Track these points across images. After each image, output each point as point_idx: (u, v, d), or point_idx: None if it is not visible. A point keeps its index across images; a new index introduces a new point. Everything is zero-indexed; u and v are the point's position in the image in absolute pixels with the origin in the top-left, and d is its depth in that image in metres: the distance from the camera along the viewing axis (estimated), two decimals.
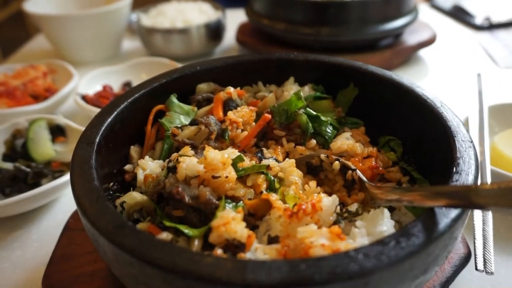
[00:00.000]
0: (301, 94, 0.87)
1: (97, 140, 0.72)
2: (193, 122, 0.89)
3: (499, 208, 0.48)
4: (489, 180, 0.94)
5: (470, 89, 1.44)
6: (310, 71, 0.96)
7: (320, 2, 1.53)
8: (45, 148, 1.15)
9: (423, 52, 1.77)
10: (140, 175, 0.76)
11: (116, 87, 1.50)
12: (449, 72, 1.65)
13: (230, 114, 0.86)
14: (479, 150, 1.03)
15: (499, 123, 1.19)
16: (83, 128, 1.14)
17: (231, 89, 0.92)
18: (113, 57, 1.90)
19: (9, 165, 1.08)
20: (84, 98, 1.37)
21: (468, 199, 0.51)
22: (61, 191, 1.04)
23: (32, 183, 1.05)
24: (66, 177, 0.99)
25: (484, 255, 0.77)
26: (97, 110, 1.24)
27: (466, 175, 0.61)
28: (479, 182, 0.84)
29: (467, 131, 0.70)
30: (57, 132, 1.21)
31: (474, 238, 0.80)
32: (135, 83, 1.54)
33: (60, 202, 1.08)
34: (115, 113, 0.79)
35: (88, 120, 0.79)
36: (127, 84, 1.52)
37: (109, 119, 0.77)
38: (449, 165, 0.64)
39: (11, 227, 1.00)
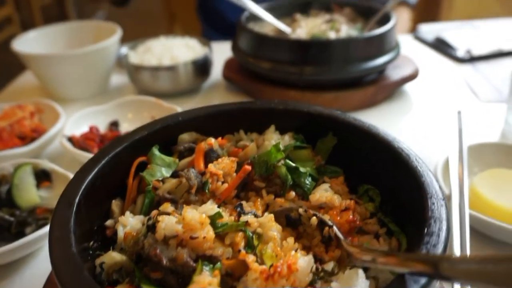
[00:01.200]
0: (280, 146, 0.89)
1: (76, 200, 0.73)
2: (174, 174, 0.90)
3: (467, 281, 0.49)
4: (467, 225, 0.96)
5: (451, 125, 1.46)
6: (290, 120, 0.98)
7: (303, 42, 1.56)
8: (29, 194, 1.16)
9: (407, 87, 1.80)
10: (121, 232, 0.76)
11: (103, 127, 1.52)
12: (432, 107, 1.68)
13: (211, 166, 0.87)
14: (459, 193, 1.05)
15: (478, 163, 1.21)
16: (68, 173, 1.17)
17: (212, 140, 0.94)
18: (101, 93, 1.92)
19: None
20: (71, 139, 1.38)
21: (437, 268, 0.52)
22: (45, 240, 1.04)
23: (16, 232, 1.05)
24: None
25: None
26: (83, 153, 1.26)
27: (436, 236, 0.62)
28: (456, 237, 0.86)
29: (440, 187, 0.72)
30: (42, 176, 1.21)
31: None
32: (121, 122, 1.56)
33: (44, 250, 1.07)
34: (96, 169, 0.80)
35: (74, 163, 0.80)
36: (113, 124, 1.53)
37: (90, 177, 0.78)
38: (421, 224, 0.66)
39: None
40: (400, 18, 2.63)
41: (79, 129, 1.46)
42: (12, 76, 2.16)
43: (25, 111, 1.55)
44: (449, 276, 0.51)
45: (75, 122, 1.47)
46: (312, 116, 0.95)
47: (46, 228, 0.99)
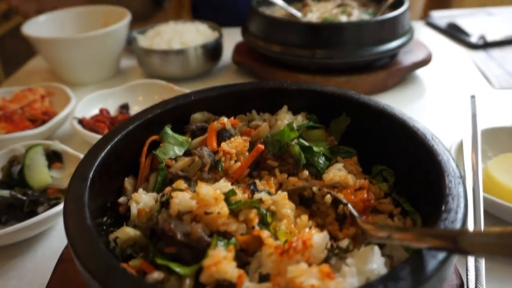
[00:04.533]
0: (294, 125, 0.88)
1: (90, 175, 0.73)
2: (187, 153, 0.89)
3: (486, 255, 0.48)
4: (481, 208, 0.95)
5: (465, 111, 1.45)
6: (303, 100, 0.97)
7: (315, 25, 1.55)
8: (41, 174, 1.16)
9: (419, 72, 1.78)
10: (134, 209, 0.77)
11: (113, 110, 1.51)
12: (444, 93, 1.66)
13: (224, 145, 0.87)
14: (472, 176, 1.04)
15: (492, 147, 1.19)
16: (79, 154, 1.17)
17: (224, 119, 0.93)
18: (111, 78, 1.92)
19: (5, 193, 1.09)
20: (81, 121, 1.38)
21: (456, 243, 0.52)
22: (57, 219, 1.04)
23: (28, 211, 1.05)
24: (62, 205, 1.00)
25: (476, 287, 0.77)
26: (93, 135, 1.26)
27: (454, 213, 0.61)
28: (471, 218, 0.85)
29: (457, 165, 0.71)
30: (54, 157, 1.22)
31: (467, 270, 0.80)
32: (132, 105, 1.56)
33: (56, 229, 1.08)
34: (109, 147, 0.80)
35: (85, 145, 0.80)
36: (124, 107, 1.53)
37: (103, 154, 0.78)
38: (438, 202, 0.65)
39: (6, 255, 1.01)
40: (413, 4, 2.59)
41: (90, 112, 1.46)
42: (21, 65, 2.16)
43: (36, 94, 1.55)
44: (469, 250, 0.50)
45: (86, 105, 1.47)
46: (326, 96, 0.94)
47: (58, 207, 0.99)
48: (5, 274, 0.96)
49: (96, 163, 0.75)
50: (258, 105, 0.99)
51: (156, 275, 0.63)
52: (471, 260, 0.81)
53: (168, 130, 0.90)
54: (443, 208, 0.62)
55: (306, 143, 0.88)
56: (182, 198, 0.71)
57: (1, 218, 1.05)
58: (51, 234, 1.07)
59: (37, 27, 1.84)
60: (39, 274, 0.96)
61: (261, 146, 0.87)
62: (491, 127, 1.21)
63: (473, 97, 1.34)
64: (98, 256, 0.57)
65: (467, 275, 0.79)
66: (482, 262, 0.81)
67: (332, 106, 0.94)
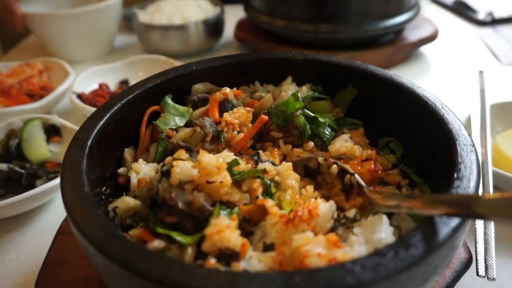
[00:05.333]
0: (299, 95, 0.85)
1: (88, 143, 0.70)
2: (188, 124, 0.87)
3: (501, 219, 0.46)
4: (491, 182, 0.93)
5: (472, 87, 1.42)
6: (308, 71, 0.94)
7: None
8: (39, 148, 1.14)
9: (424, 49, 1.74)
10: (134, 179, 0.74)
11: (113, 85, 1.48)
12: (451, 69, 1.62)
13: (226, 115, 0.84)
14: (481, 150, 1.01)
15: (501, 122, 1.17)
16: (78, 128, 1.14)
17: (227, 89, 0.90)
18: (107, 55, 1.88)
19: (3, 166, 1.07)
20: (80, 96, 1.35)
21: (469, 208, 0.49)
22: (55, 193, 1.02)
23: (26, 184, 1.03)
24: None
25: (485, 260, 0.75)
26: (93, 110, 1.23)
27: (467, 181, 0.59)
28: (480, 188, 0.82)
29: (469, 133, 0.68)
30: (52, 132, 1.19)
31: (476, 243, 0.78)
32: (132, 81, 1.53)
33: (55, 203, 1.06)
34: (108, 115, 0.77)
35: (84, 120, 0.77)
36: (123, 82, 1.50)
37: (102, 121, 0.75)
38: (450, 170, 0.62)
39: (4, 228, 0.99)
40: None
41: (89, 87, 1.43)
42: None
43: (34, 69, 1.52)
44: (484, 215, 0.48)
45: (85, 80, 1.44)
46: (332, 66, 0.91)
47: (57, 180, 0.97)
48: (3, 248, 0.95)
49: (95, 131, 0.73)
50: (262, 76, 0.96)
51: (157, 243, 0.61)
52: (480, 232, 0.79)
53: (168, 100, 0.88)
54: (455, 175, 0.60)
55: (311, 114, 0.85)
56: (183, 167, 0.68)
57: None
58: (50, 208, 1.05)
59: (31, 4, 1.79)
60: (38, 247, 0.94)
61: (265, 117, 0.85)
62: (500, 102, 1.19)
63: (481, 72, 1.31)
64: (96, 222, 0.55)
65: (476, 248, 0.77)
66: (492, 234, 0.79)
67: (338, 77, 0.91)
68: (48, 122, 1.19)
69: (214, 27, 1.78)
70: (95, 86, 1.44)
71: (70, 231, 0.87)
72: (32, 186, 1.03)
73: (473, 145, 0.65)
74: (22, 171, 1.04)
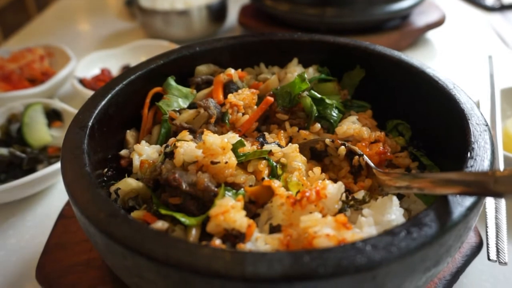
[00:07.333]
0: (305, 76, 0.83)
1: (89, 123, 0.68)
2: (191, 105, 0.85)
3: None
4: (501, 166, 0.90)
5: (480, 72, 1.39)
6: (314, 52, 0.91)
7: None
8: (41, 133, 1.12)
9: (431, 34, 1.71)
10: (136, 161, 0.72)
11: (115, 71, 1.46)
12: (458, 55, 1.59)
13: (231, 97, 0.82)
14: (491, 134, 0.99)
15: (511, 106, 1.14)
16: None
17: (231, 70, 0.88)
18: (111, 40, 1.85)
19: (4, 151, 1.05)
20: (82, 81, 1.33)
21: (485, 186, 0.47)
22: (57, 177, 1.01)
23: (27, 169, 1.02)
24: None
25: (497, 244, 0.73)
26: None
27: (481, 160, 0.57)
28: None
29: (482, 114, 0.66)
30: (54, 116, 1.17)
31: (487, 227, 0.76)
32: None
33: (56, 188, 1.04)
34: (110, 95, 0.75)
35: None
36: (126, 68, 1.48)
37: (103, 102, 0.73)
38: (463, 150, 0.60)
39: (5, 214, 0.97)
40: None
41: (91, 72, 1.41)
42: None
43: (35, 54, 1.49)
44: (501, 192, 0.46)
45: (87, 65, 1.42)
46: (339, 47, 0.89)
47: (58, 165, 0.95)
48: (4, 232, 0.93)
49: (96, 111, 0.71)
50: (267, 57, 0.94)
51: (160, 224, 0.59)
52: (490, 217, 0.77)
53: (171, 81, 0.86)
54: (468, 155, 0.58)
55: (318, 95, 0.82)
56: (187, 147, 0.66)
57: (0, 176, 1.01)
58: (51, 193, 1.03)
59: None
60: (39, 232, 0.93)
61: (271, 98, 0.82)
62: (510, 87, 1.16)
63: (490, 57, 1.28)
64: (98, 202, 0.53)
65: (486, 233, 0.75)
66: (503, 218, 0.77)
67: (345, 58, 0.89)
68: (49, 107, 1.17)
69: (217, 13, 1.75)
70: (97, 71, 1.42)
71: (71, 215, 0.85)
72: (33, 170, 1.01)
73: (487, 125, 0.63)
74: (23, 155, 1.02)
